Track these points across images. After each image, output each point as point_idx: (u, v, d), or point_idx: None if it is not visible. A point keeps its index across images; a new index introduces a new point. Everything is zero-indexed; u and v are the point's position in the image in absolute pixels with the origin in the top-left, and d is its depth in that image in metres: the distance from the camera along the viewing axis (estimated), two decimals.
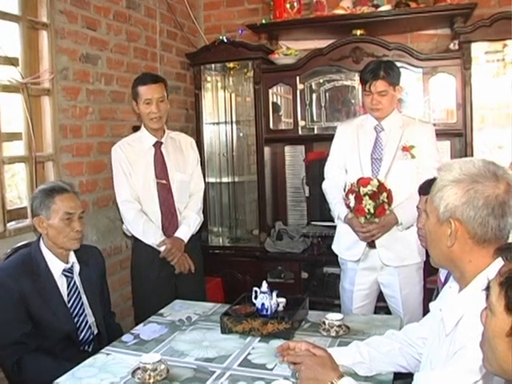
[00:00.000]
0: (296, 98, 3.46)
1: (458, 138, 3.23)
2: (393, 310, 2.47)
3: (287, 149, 3.76)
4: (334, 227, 2.60)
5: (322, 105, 3.45)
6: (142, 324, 2.02)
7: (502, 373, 0.88)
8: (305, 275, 3.43)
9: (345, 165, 2.50)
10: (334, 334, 1.81)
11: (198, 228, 2.64)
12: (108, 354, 1.73)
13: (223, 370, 1.58)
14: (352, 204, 2.27)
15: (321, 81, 3.46)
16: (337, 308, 2.71)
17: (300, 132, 3.49)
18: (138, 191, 2.51)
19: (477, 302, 1.01)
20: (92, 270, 2.07)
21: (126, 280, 2.90)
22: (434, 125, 2.68)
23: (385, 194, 2.25)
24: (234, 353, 1.70)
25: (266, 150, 3.58)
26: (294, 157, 3.74)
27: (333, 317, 1.84)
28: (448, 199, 1.17)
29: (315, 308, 2.14)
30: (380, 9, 3.31)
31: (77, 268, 2.01)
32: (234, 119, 3.80)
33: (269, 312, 1.88)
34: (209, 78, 3.82)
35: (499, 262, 0.96)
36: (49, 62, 2.50)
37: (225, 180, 3.84)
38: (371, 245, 2.39)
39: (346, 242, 2.48)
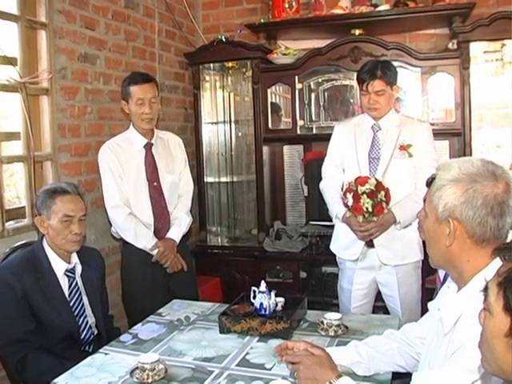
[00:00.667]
0: (295, 98, 3.46)
1: (457, 137, 3.23)
2: (391, 310, 2.48)
3: (286, 148, 3.76)
4: (333, 227, 2.60)
5: (321, 104, 3.46)
6: (140, 324, 2.01)
7: (501, 373, 0.88)
8: (303, 275, 3.43)
9: (342, 164, 2.50)
10: (332, 333, 1.80)
11: (188, 228, 2.63)
12: (106, 354, 1.73)
13: (221, 370, 1.58)
14: (350, 203, 2.27)
15: (319, 80, 3.46)
16: (335, 307, 2.71)
17: (299, 131, 3.49)
18: (128, 194, 2.44)
19: (475, 301, 1.01)
20: (93, 272, 2.07)
21: None
22: (433, 124, 2.69)
23: (383, 193, 2.25)
24: (233, 352, 1.70)
25: (265, 149, 3.58)
26: (292, 156, 3.74)
27: (331, 316, 1.84)
28: (447, 198, 1.17)
29: (314, 307, 2.13)
30: (378, 8, 3.31)
31: (79, 269, 2.01)
32: (232, 119, 3.80)
33: (267, 312, 1.88)
34: (207, 78, 3.82)
35: (497, 262, 0.95)
36: (47, 62, 2.50)
37: (223, 179, 3.84)
38: (369, 244, 2.39)
39: (344, 242, 2.48)
